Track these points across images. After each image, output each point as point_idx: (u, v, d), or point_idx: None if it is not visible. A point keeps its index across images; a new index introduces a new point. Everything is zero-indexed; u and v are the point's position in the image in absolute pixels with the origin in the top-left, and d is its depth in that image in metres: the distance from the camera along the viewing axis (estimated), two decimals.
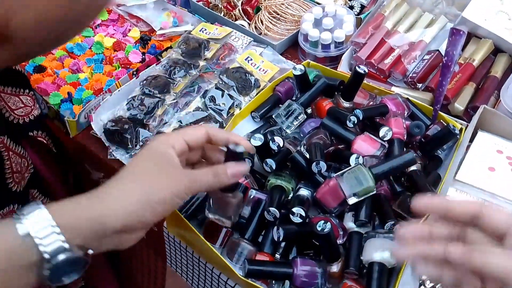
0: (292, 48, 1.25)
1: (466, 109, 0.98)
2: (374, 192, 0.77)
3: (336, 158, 0.91)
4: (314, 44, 1.17)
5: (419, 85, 1.03)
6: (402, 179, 0.86)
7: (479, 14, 1.06)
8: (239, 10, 1.31)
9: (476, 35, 1.08)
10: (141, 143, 0.95)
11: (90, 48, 1.22)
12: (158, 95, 1.02)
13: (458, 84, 1.00)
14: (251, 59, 1.14)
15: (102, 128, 1.00)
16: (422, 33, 1.10)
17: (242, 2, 1.33)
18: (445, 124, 0.91)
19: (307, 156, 0.88)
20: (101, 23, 1.32)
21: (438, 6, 1.14)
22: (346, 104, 0.99)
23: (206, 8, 1.33)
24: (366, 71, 0.93)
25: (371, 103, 1.01)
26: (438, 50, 1.05)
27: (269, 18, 1.27)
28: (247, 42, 1.21)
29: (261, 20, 1.28)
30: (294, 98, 1.03)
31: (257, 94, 1.06)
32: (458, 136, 0.89)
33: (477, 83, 1.01)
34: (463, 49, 1.08)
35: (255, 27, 1.29)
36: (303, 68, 0.97)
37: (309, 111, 1.02)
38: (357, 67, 0.93)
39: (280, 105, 1.00)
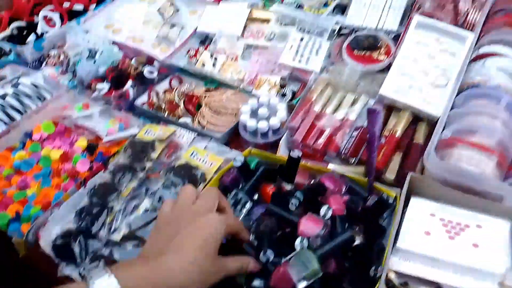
0: (235, 137, 1.32)
1: (397, 177, 1.05)
2: (321, 274, 0.79)
3: (284, 242, 0.94)
4: (253, 133, 1.25)
5: (352, 160, 1.11)
6: (349, 253, 0.90)
7: (395, 89, 1.18)
8: (181, 109, 1.39)
9: (396, 107, 1.19)
10: (91, 255, 0.95)
11: (37, 163, 1.24)
12: (106, 203, 1.04)
13: (386, 154, 1.08)
14: (196, 154, 1.19)
15: (51, 244, 0.99)
16: (348, 112, 1.20)
17: (184, 101, 1.42)
18: (380, 194, 0.97)
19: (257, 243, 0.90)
20: (48, 136, 1.35)
21: (358, 87, 1.27)
22: (288, 187, 1.04)
23: (150, 110, 1.41)
24: (300, 155, 1.00)
25: (312, 181, 1.07)
26: (363, 126, 1.15)
27: (211, 113, 1.35)
28: (192, 138, 1.27)
29: (203, 115, 1.36)
30: (240, 187, 1.08)
31: (204, 187, 1.09)
32: (394, 204, 0.95)
33: (403, 152, 1.10)
34: (386, 121, 1.19)
35: (199, 122, 1.37)
36: (242, 158, 1.03)
37: (256, 197, 1.06)
38: (291, 153, 1.00)
39: (228, 194, 1.04)
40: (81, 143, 1.31)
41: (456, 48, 1.22)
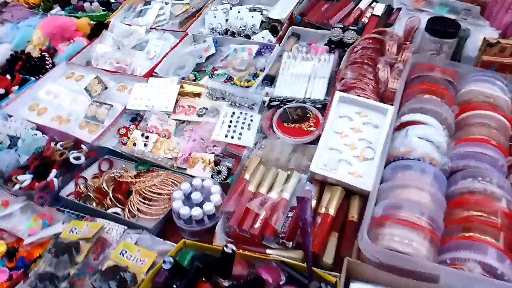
0: (169, 225, 1.26)
1: (335, 261, 1.03)
2: None
3: None
4: (189, 220, 1.20)
5: (289, 244, 1.08)
6: None
7: (324, 165, 1.19)
8: (110, 198, 1.31)
9: (328, 182, 1.19)
10: None
11: None
12: None
13: (321, 236, 1.07)
14: (126, 251, 1.11)
15: None
16: (282, 190, 1.19)
17: (113, 189, 1.35)
18: (320, 282, 0.94)
19: None
20: None
21: (290, 161, 1.27)
22: (225, 283, 0.99)
23: (77, 201, 1.32)
24: (234, 249, 0.95)
25: (250, 272, 1.03)
26: (298, 202, 1.13)
27: (141, 201, 1.29)
28: (122, 231, 1.19)
29: (133, 204, 1.29)
30: (174, 286, 1.01)
31: None
32: None
33: (339, 231, 1.09)
34: (320, 197, 1.18)
35: (129, 211, 1.29)
36: (172, 260, 0.97)
37: None
38: (224, 248, 0.95)
39: None
40: (0, 248, 1.19)
41: (378, 120, 1.26)
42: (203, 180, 1.26)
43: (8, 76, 1.83)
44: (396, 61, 1.47)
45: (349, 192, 1.18)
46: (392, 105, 1.27)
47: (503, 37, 1.52)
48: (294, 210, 1.14)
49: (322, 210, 1.14)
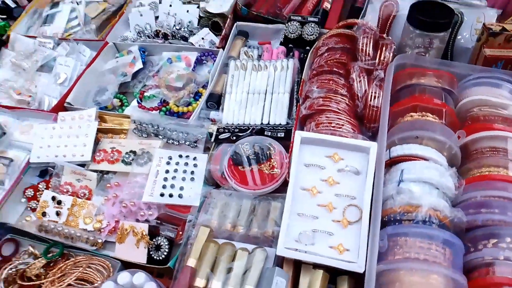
0: None
1: None
2: None
3: None
4: None
5: None
6: None
7: (297, 241, 0.86)
8: None
9: (304, 262, 0.86)
10: None
11: None
12: None
13: None
14: None
15: None
16: (243, 282, 0.85)
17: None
18: None
19: None
20: None
21: (251, 227, 0.93)
22: None
23: None
24: None
25: None
26: None
27: None
28: None
29: None
30: None
31: None
32: None
33: None
34: (296, 283, 0.86)
35: None
36: None
37: None
38: None
39: None
40: None
41: (358, 163, 0.91)
42: (132, 275, 0.91)
43: None
44: (374, 66, 1.12)
45: (335, 273, 0.86)
46: (371, 129, 0.94)
47: (504, 17, 1.19)
48: None
49: None
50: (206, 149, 1.17)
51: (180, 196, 1.06)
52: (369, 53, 1.14)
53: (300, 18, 1.36)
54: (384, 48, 1.14)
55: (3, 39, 1.66)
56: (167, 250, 1.02)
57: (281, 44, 1.37)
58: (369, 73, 1.12)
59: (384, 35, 1.21)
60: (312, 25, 1.33)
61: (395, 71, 1.09)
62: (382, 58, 1.13)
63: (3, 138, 1.30)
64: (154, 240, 1.03)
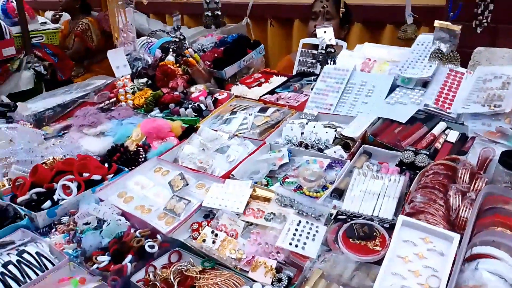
0: None
1: None
2: None
3: None
4: None
5: None
6: None
7: None
8: None
9: None
10: None
11: None
12: None
13: None
14: None
15: None
16: None
17: (178, 281, 1.42)
18: None
19: None
20: None
21: (353, 279, 1.26)
22: None
23: None
24: None
25: None
26: None
27: None
28: None
29: None
30: None
31: None
32: None
33: None
34: None
35: None
36: None
37: None
38: None
39: None
40: None
41: (444, 248, 1.24)
42: (263, 287, 1.29)
43: (106, 165, 2.09)
44: (469, 190, 1.47)
45: None
46: (458, 233, 1.25)
47: None
48: None
49: None
50: (326, 223, 1.57)
51: (303, 248, 1.46)
52: (465, 180, 1.50)
53: (415, 149, 1.79)
54: (478, 179, 1.49)
55: (194, 127, 2.39)
56: (285, 284, 1.38)
57: (396, 165, 1.79)
58: (463, 195, 1.46)
59: (481, 172, 1.56)
60: (424, 156, 1.75)
61: (484, 197, 1.41)
62: (475, 186, 1.47)
63: (186, 187, 1.88)
64: (278, 274, 1.41)
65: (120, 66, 2.84)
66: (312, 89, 2.52)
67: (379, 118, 2.11)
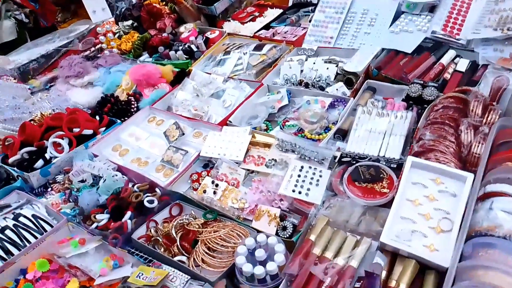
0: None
1: None
2: None
3: None
4: (251, 278, 1.18)
5: None
6: None
7: (397, 236, 1.12)
8: (177, 246, 1.34)
9: (400, 253, 1.12)
10: None
11: None
12: None
13: None
14: None
15: None
16: (350, 256, 1.13)
17: (181, 236, 1.38)
18: None
19: None
20: (42, 275, 1.32)
21: (360, 225, 1.21)
22: None
23: (146, 245, 1.37)
24: None
25: None
26: (366, 277, 1.07)
27: (206, 252, 1.30)
28: (185, 281, 1.21)
29: (198, 254, 1.31)
30: None
31: None
32: None
33: None
34: (391, 269, 1.10)
35: (194, 260, 1.31)
36: None
37: None
38: None
39: None
40: (73, 285, 1.26)
41: (456, 189, 1.17)
42: (267, 237, 1.25)
43: (97, 117, 1.99)
44: (481, 124, 1.37)
45: (423, 267, 1.09)
46: (471, 172, 1.18)
47: None
48: (362, 281, 1.07)
49: (393, 284, 1.06)
50: (330, 167, 1.50)
51: (306, 194, 1.40)
52: (478, 113, 1.40)
53: (422, 82, 1.67)
54: (491, 112, 1.39)
55: (186, 71, 2.25)
56: (290, 232, 1.34)
57: (402, 100, 1.69)
58: (475, 129, 1.37)
59: (494, 103, 1.46)
60: (432, 89, 1.63)
61: (498, 130, 1.32)
62: (489, 118, 1.38)
63: (182, 137, 1.80)
64: (282, 222, 1.36)
65: (97, 10, 2.61)
66: (310, 21, 2.34)
67: (383, 49, 1.96)
